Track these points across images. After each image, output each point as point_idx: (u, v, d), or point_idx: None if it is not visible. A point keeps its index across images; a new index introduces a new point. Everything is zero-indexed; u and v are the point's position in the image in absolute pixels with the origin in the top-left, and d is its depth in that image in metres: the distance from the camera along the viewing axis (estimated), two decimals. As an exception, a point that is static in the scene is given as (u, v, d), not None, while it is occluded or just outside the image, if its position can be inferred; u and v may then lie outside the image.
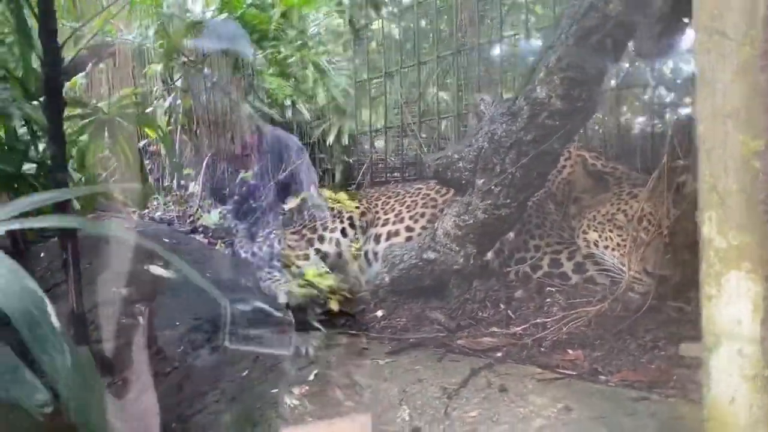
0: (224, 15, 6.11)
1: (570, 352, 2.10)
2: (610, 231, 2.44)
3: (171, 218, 5.82)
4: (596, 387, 1.76)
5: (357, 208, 3.40)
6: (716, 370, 1.27)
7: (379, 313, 2.85)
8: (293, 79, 5.93)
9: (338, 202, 3.57)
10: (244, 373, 2.27)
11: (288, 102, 5.91)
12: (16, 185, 2.74)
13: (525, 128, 2.40)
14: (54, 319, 1.05)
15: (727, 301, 1.23)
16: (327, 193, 3.70)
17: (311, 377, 2.06)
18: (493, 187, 2.51)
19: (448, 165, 2.63)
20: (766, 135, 1.17)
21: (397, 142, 4.52)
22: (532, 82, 2.37)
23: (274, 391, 2.06)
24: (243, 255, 4.09)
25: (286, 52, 6.01)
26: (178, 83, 6.12)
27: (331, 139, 5.19)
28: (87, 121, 3.28)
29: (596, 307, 2.19)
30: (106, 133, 3.60)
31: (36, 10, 2.18)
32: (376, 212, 3.40)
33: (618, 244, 2.40)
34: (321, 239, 3.33)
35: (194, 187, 6.52)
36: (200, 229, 4.99)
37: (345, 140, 5.11)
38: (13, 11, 2.47)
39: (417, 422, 1.70)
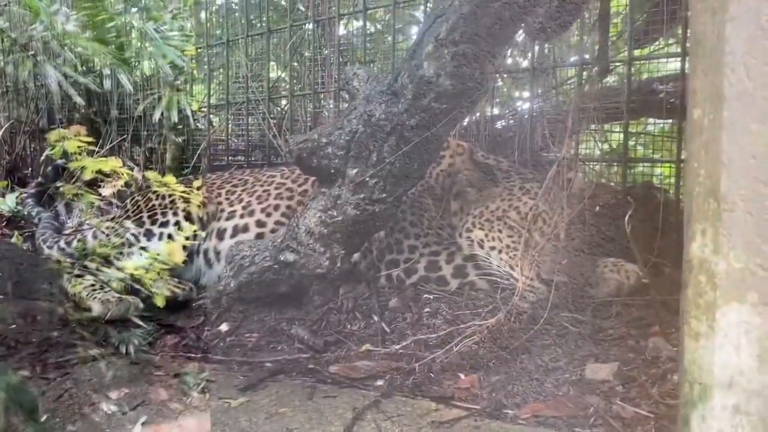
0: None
1: (462, 376, 1.77)
2: (499, 230, 2.16)
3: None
4: (511, 428, 1.43)
5: (193, 194, 2.82)
6: (701, 427, 0.97)
7: (224, 327, 2.34)
8: (113, 46, 5.15)
9: (165, 186, 2.97)
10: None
11: (107, 71, 5.13)
12: None
13: (408, 111, 2.03)
14: None
15: (723, 341, 0.94)
16: (152, 175, 3.06)
17: (136, 429, 1.53)
18: (367, 179, 2.12)
19: (314, 150, 2.19)
20: (793, 125, 0.88)
21: (241, 120, 3.95)
22: (418, 56, 2.00)
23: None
24: (47, 251, 3.33)
25: (105, 15, 5.22)
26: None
27: (157, 115, 4.48)
28: None
29: (489, 321, 1.88)
30: None
31: None
32: (219, 203, 2.85)
33: (507, 246, 2.13)
34: (149, 234, 2.72)
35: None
36: (-9, 216, 4.06)
37: (174, 117, 4.43)
38: None
39: (289, 494, 1.26)
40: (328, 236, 2.26)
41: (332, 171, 2.21)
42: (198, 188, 2.77)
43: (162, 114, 4.46)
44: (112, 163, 2.71)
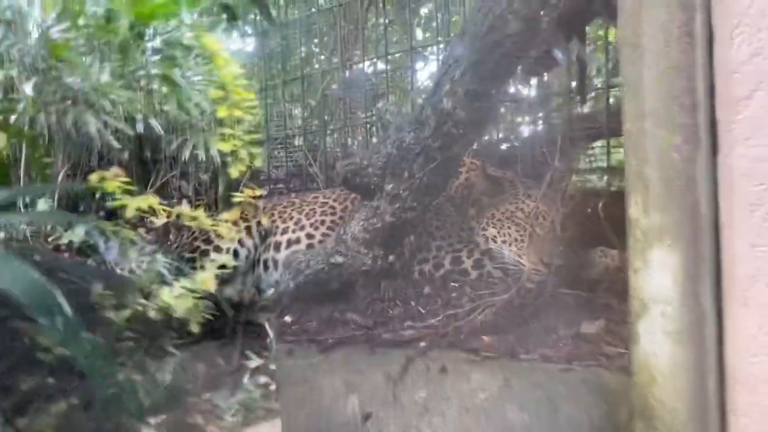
0: (65, 24, 5.78)
1: (485, 338, 2.30)
2: (509, 228, 2.71)
3: (21, 238, 5.27)
4: (524, 364, 1.96)
5: (235, 224, 3.34)
6: (643, 331, 1.50)
7: (288, 318, 2.88)
8: (142, 92, 5.73)
9: (194, 220, 3.50)
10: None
11: (139, 116, 5.69)
12: None
13: (432, 136, 2.59)
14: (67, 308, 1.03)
15: (652, 271, 1.48)
16: (184, 210, 3.61)
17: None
18: (401, 192, 2.67)
19: (357, 171, 2.75)
20: (682, 131, 1.43)
21: (278, 153, 4.55)
22: (438, 94, 2.57)
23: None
24: (120, 272, 3.89)
25: (134, 66, 5.80)
26: (27, 90, 5.67)
27: (186, 155, 5.06)
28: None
29: (503, 296, 2.41)
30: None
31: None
32: (274, 221, 3.42)
33: (516, 239, 2.67)
34: (218, 249, 3.28)
35: (45, 204, 6.02)
36: (63, 248, 4.62)
37: (203, 155, 5.00)
38: None
39: (368, 407, 1.79)
40: (371, 240, 2.79)
41: (372, 187, 2.76)
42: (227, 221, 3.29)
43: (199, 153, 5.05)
44: (150, 201, 3.27)
